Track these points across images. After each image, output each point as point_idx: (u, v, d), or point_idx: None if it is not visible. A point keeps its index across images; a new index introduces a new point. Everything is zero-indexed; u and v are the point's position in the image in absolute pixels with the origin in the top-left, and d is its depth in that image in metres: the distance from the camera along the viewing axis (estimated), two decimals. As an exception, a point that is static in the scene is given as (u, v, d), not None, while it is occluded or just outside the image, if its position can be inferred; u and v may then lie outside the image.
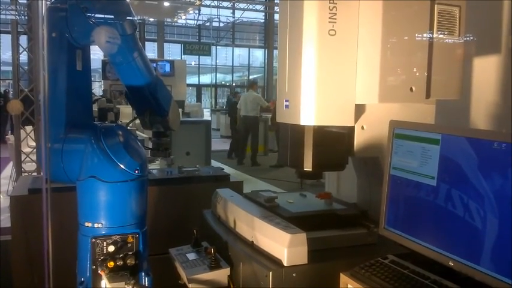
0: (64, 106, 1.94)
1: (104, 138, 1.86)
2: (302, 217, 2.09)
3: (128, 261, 1.84)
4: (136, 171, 1.86)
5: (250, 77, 26.94)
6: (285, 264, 1.80)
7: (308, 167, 2.08)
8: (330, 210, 2.25)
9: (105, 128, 1.93)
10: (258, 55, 28.64)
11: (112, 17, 1.95)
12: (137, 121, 2.48)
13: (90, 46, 2.09)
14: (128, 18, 1.99)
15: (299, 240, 1.81)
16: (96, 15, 1.91)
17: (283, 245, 1.81)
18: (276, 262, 1.83)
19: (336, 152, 2.14)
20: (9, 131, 12.00)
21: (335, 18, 1.93)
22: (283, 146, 2.27)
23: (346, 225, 2.09)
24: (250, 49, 28.19)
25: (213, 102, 26.89)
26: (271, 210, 2.16)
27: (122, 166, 1.83)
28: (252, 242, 2.03)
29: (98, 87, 17.27)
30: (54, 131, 1.94)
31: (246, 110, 10.98)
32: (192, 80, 25.20)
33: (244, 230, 2.12)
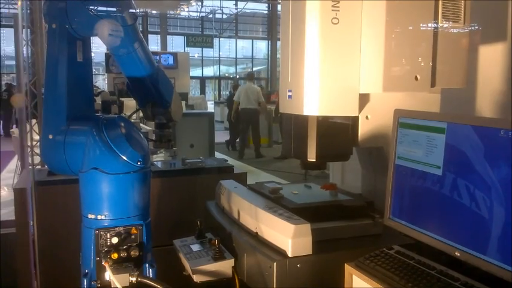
0: (65, 98, 1.92)
1: (105, 130, 1.84)
2: (307, 208, 2.08)
3: (132, 252, 1.84)
4: (139, 163, 1.85)
5: (251, 69, 26.85)
6: (290, 255, 1.79)
7: (312, 157, 2.06)
8: (335, 201, 2.23)
9: (107, 119, 1.91)
10: (262, 47, 28.55)
11: (112, 7, 1.93)
12: (141, 114, 2.46)
13: (92, 38, 2.08)
14: (128, 8, 1.97)
15: (303, 231, 1.80)
16: (96, 6, 1.89)
17: (287, 236, 1.80)
18: (281, 253, 1.82)
19: (340, 142, 2.13)
20: (14, 125, 12.06)
21: (338, 7, 1.90)
22: (286, 136, 2.25)
23: (351, 216, 2.08)
24: (254, 41, 28.08)
25: (217, 95, 26.86)
26: (275, 202, 2.15)
27: (124, 158, 1.82)
28: (256, 233, 2.02)
29: (101, 80, 17.29)
30: (55, 122, 1.93)
31: (247, 102, 10.78)
32: (195, 72, 25.17)
33: (248, 221, 2.11)
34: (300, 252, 1.79)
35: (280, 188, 2.33)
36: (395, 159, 1.79)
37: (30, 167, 3.00)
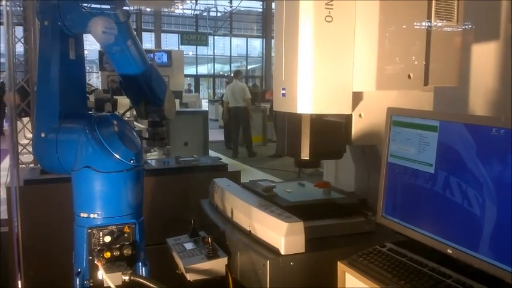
0: (57, 96, 1.91)
1: (98, 128, 1.84)
2: (300, 206, 2.08)
3: (125, 251, 1.83)
4: (132, 161, 1.85)
5: (245, 67, 26.83)
6: (283, 253, 1.79)
7: (305, 155, 2.07)
8: (328, 199, 2.24)
9: (99, 117, 1.91)
10: (256, 45, 28.51)
11: (105, 4, 1.93)
12: (135, 112, 2.46)
13: (85, 36, 2.07)
14: (121, 6, 1.97)
15: (296, 229, 1.81)
16: (89, 3, 1.88)
17: (280, 234, 1.80)
18: (274, 251, 1.82)
19: (334, 141, 2.13)
20: (6, 123, 11.96)
21: (332, 5, 1.90)
22: (280, 135, 2.25)
23: (345, 214, 2.08)
24: (248, 39, 28.06)
25: (211, 93, 26.82)
26: (269, 200, 2.15)
27: (117, 156, 1.82)
28: (250, 231, 2.02)
29: (95, 78, 17.22)
30: (48, 120, 1.92)
31: (235, 101, 10.71)
32: (189, 70, 25.12)
33: (241, 220, 2.11)
34: (293, 250, 1.80)
35: (274, 186, 2.33)
36: (388, 157, 1.79)
37: (20, 166, 2.98)
